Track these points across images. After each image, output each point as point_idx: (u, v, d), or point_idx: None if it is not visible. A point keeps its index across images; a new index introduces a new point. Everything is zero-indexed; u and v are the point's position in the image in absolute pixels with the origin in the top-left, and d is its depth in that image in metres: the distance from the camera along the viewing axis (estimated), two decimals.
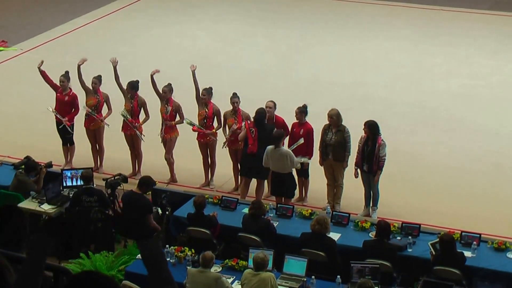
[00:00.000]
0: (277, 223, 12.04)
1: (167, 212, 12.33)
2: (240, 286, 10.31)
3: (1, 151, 15.43)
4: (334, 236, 11.50)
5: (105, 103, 14.66)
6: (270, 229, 11.70)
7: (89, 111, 14.52)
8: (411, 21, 22.53)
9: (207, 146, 14.26)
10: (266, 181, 13.73)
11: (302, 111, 13.51)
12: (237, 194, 13.75)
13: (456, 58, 20.04)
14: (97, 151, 14.93)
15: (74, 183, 13.01)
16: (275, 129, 13.36)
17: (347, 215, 12.19)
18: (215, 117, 14.10)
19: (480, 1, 23.96)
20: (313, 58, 20.10)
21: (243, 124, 13.68)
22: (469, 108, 17.39)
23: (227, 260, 11.05)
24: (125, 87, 14.42)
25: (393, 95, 17.98)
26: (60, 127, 14.72)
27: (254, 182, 13.69)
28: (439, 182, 14.55)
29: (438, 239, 10.98)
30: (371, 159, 13.00)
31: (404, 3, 23.78)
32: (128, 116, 14.30)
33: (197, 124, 14.13)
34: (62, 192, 12.90)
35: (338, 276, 10.58)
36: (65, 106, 14.64)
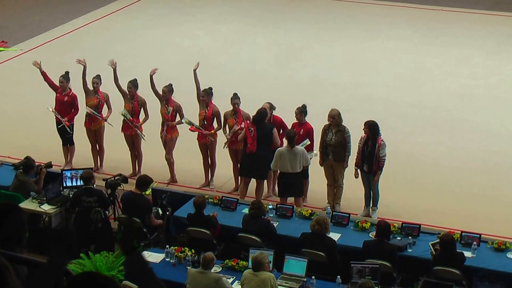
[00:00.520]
0: (277, 223, 12.04)
1: (167, 213, 12.34)
2: (240, 286, 10.31)
3: (1, 151, 15.44)
4: (334, 236, 11.50)
5: (105, 103, 14.67)
6: (270, 229, 11.70)
7: (91, 111, 14.51)
8: (411, 21, 22.52)
9: (207, 147, 14.26)
10: (266, 181, 13.74)
11: (301, 111, 13.52)
12: (237, 194, 13.74)
13: (456, 58, 20.04)
14: (97, 151, 14.93)
15: (74, 184, 13.02)
16: (274, 128, 13.36)
17: (347, 215, 12.20)
18: (215, 118, 14.10)
19: (480, 1, 23.96)
20: (313, 58, 20.10)
21: (242, 124, 13.69)
22: (469, 108, 17.39)
23: (227, 260, 11.05)
24: (124, 88, 14.41)
25: (393, 95, 17.98)
26: (59, 126, 14.72)
27: (253, 182, 13.69)
28: (439, 182, 14.54)
29: (438, 239, 10.99)
30: (371, 160, 13.00)
31: (404, 3, 23.77)
32: (128, 116, 14.30)
33: (197, 124, 14.13)
34: (62, 192, 12.91)
35: (338, 277, 10.59)
36: (65, 107, 14.64)
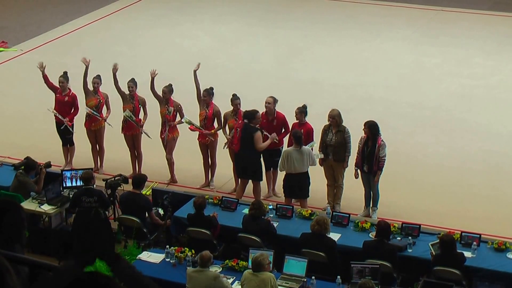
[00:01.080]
0: (277, 223, 12.04)
1: (168, 213, 12.34)
2: (240, 286, 10.31)
3: (1, 151, 15.44)
4: (334, 236, 11.50)
5: (104, 103, 14.66)
6: (270, 229, 11.71)
7: (91, 112, 14.51)
8: (411, 21, 22.53)
9: (207, 147, 14.26)
10: (266, 181, 13.74)
11: (302, 111, 13.51)
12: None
13: (456, 58, 20.04)
14: (97, 151, 14.93)
15: (74, 184, 13.02)
16: (258, 132, 13.19)
17: (347, 215, 12.20)
18: (215, 118, 14.10)
19: (480, 2, 23.96)
20: (313, 59, 20.09)
21: None
22: (469, 108, 17.39)
23: (227, 261, 11.05)
24: (124, 89, 14.38)
25: (393, 96, 17.98)
26: (61, 128, 14.69)
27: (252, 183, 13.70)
28: (439, 182, 14.54)
29: (438, 240, 10.99)
30: (371, 160, 13.00)
31: (404, 3, 23.77)
32: (133, 117, 14.30)
33: (197, 124, 14.12)
34: (62, 192, 12.91)
35: (338, 277, 10.59)
36: (65, 107, 14.63)
